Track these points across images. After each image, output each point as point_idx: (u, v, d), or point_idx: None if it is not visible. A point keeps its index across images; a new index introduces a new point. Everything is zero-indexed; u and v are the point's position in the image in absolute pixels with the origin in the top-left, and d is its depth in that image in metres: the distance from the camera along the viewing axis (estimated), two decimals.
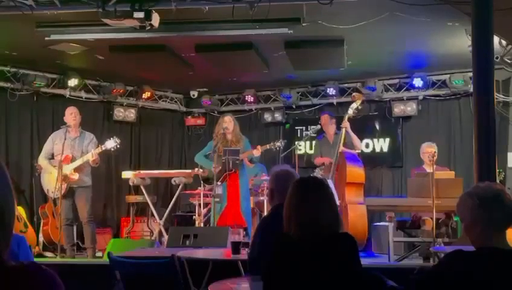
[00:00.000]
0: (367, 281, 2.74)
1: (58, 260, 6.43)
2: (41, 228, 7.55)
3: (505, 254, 2.15)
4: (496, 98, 6.07)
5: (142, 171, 8.11)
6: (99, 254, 7.20)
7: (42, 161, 6.96)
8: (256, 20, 5.60)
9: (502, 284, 2.09)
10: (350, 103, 7.80)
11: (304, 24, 5.74)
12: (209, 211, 7.58)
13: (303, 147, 9.24)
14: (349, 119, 7.60)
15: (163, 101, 10.03)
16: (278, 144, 7.20)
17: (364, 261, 5.97)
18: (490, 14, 4.43)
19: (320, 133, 7.92)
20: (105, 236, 8.45)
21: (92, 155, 6.69)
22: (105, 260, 3.85)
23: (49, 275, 1.26)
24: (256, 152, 6.99)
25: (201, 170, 7.18)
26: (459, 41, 6.53)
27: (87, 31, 6.24)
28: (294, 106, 9.57)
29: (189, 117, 10.28)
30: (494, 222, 2.18)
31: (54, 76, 8.61)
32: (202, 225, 7.53)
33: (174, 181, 7.74)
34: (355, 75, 8.65)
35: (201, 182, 7.37)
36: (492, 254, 2.15)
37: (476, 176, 4.38)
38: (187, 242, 5.61)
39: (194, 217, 7.80)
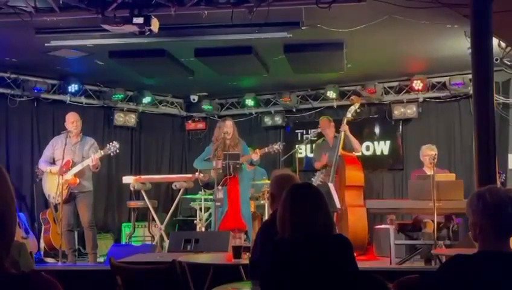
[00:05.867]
0: (367, 283, 2.76)
1: (59, 265, 6.42)
2: (42, 234, 7.54)
3: (504, 257, 2.15)
4: (496, 100, 6.07)
5: (142, 176, 8.11)
6: (100, 259, 7.20)
7: (42, 166, 6.96)
8: (255, 25, 5.62)
9: (501, 288, 2.09)
10: (350, 106, 7.83)
11: (303, 28, 5.75)
12: (210, 215, 7.59)
13: (303, 151, 9.24)
14: (349, 122, 7.62)
15: (163, 105, 10.04)
16: (277, 146, 7.19)
17: (366, 264, 5.96)
18: (489, 16, 4.44)
19: (320, 136, 7.95)
20: (106, 241, 8.45)
21: (91, 160, 6.69)
22: (107, 265, 3.85)
23: (49, 282, 1.26)
24: (255, 156, 6.99)
25: (201, 175, 7.18)
26: (459, 44, 6.54)
27: (86, 37, 6.27)
28: (294, 110, 9.59)
29: (190, 121, 10.28)
30: (495, 228, 2.17)
31: (54, 82, 8.62)
32: (203, 229, 7.53)
33: (175, 186, 7.74)
34: (355, 78, 8.65)
35: (202, 188, 7.37)
36: (492, 258, 2.14)
37: (476, 178, 4.38)
38: (188, 247, 5.61)
39: (195, 221, 7.80)
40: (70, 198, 6.78)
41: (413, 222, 6.54)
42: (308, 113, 9.53)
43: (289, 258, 2.62)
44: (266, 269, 2.69)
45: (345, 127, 7.54)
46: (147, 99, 9.52)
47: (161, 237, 7.52)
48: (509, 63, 6.94)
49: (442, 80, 8.47)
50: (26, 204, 8.28)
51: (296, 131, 9.64)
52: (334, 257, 2.60)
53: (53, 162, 6.91)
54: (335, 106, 9.15)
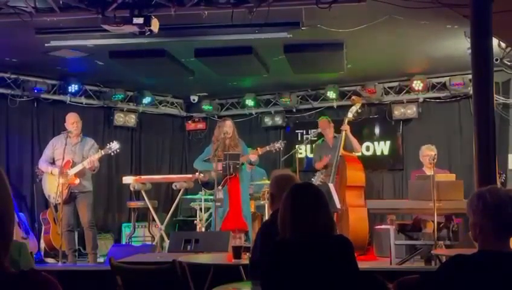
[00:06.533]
0: (367, 283, 2.76)
1: (59, 266, 6.42)
2: (42, 234, 7.55)
3: (504, 257, 2.15)
4: (496, 100, 6.07)
5: (142, 176, 8.11)
6: (100, 259, 7.20)
7: (43, 166, 6.96)
8: (255, 25, 5.61)
9: (501, 288, 2.09)
10: (350, 106, 7.83)
11: (303, 28, 5.75)
12: (210, 215, 7.59)
13: (303, 151, 9.24)
14: (349, 123, 7.62)
15: (163, 106, 10.04)
16: (278, 145, 7.21)
17: (366, 265, 5.96)
18: (489, 16, 4.44)
19: (320, 137, 7.96)
20: (106, 241, 8.45)
21: (87, 163, 6.68)
22: (107, 265, 3.85)
23: (49, 281, 1.26)
24: (253, 157, 6.99)
25: (201, 175, 7.19)
26: (459, 44, 6.54)
27: (87, 37, 6.27)
28: (294, 110, 9.59)
29: (190, 122, 10.29)
30: (495, 228, 2.16)
31: (54, 82, 8.63)
32: (203, 229, 7.53)
33: (175, 186, 7.74)
34: (355, 78, 8.65)
35: (202, 187, 7.37)
36: (492, 258, 2.14)
37: (476, 178, 4.38)
38: (188, 247, 5.61)
39: (195, 221, 7.80)
40: (71, 198, 6.78)
41: (413, 222, 6.54)
42: (308, 113, 9.53)
43: (290, 259, 2.62)
44: (267, 269, 2.69)
45: (346, 127, 7.54)
46: (147, 100, 9.53)
47: (161, 237, 7.52)
48: (509, 63, 6.94)
49: (442, 80, 8.47)
50: (26, 204, 8.28)
51: (296, 131, 9.65)
52: (335, 258, 2.60)
53: (53, 162, 6.92)
54: (335, 106, 9.16)
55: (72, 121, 6.87)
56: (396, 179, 8.94)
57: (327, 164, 7.52)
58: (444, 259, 4.91)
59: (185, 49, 7.00)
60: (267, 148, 7.14)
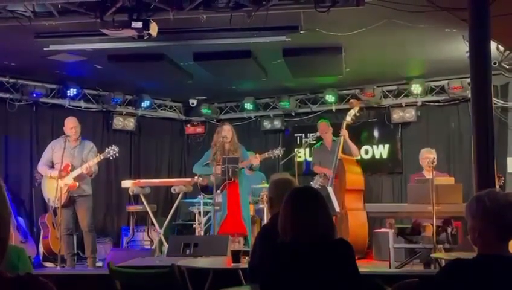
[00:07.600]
0: (366, 287, 2.76)
1: (58, 270, 6.41)
2: (41, 238, 7.53)
3: (504, 260, 2.15)
4: (494, 103, 6.07)
5: (141, 180, 8.10)
6: (99, 263, 7.18)
7: (42, 169, 6.95)
8: (254, 29, 5.62)
9: None
10: (349, 109, 7.83)
11: (301, 32, 5.76)
12: (209, 219, 7.58)
13: (302, 155, 9.25)
14: (348, 126, 7.62)
15: (162, 109, 10.04)
16: (277, 152, 7.21)
17: (365, 268, 5.96)
18: (487, 20, 4.45)
19: (319, 140, 7.96)
20: (105, 245, 8.44)
21: (85, 168, 6.67)
22: (106, 269, 3.84)
23: (45, 285, 1.26)
24: (255, 161, 7.00)
25: (200, 179, 7.19)
26: (457, 47, 6.55)
27: (85, 41, 6.27)
28: (293, 113, 9.59)
29: (189, 125, 10.29)
30: (494, 232, 2.16)
31: (53, 86, 8.63)
32: (202, 233, 7.53)
33: (174, 190, 7.74)
34: (353, 82, 8.66)
35: (201, 192, 7.37)
36: (491, 261, 2.14)
37: (475, 181, 4.38)
38: (187, 251, 5.60)
39: (194, 225, 7.80)
40: (70, 202, 6.76)
41: (413, 226, 6.54)
42: (307, 117, 9.54)
43: (290, 262, 2.62)
44: (267, 273, 2.69)
45: (344, 132, 7.53)
46: (145, 103, 9.53)
47: (160, 241, 7.51)
48: (507, 67, 6.95)
49: (440, 83, 8.48)
50: (25, 209, 8.26)
51: (295, 135, 9.65)
52: (336, 261, 2.60)
53: (52, 166, 6.91)
54: (334, 110, 9.16)
55: (71, 126, 6.87)
56: (395, 183, 8.94)
57: (326, 173, 7.49)
58: (443, 263, 4.91)
59: (184, 53, 7.01)
60: (266, 155, 7.15)
